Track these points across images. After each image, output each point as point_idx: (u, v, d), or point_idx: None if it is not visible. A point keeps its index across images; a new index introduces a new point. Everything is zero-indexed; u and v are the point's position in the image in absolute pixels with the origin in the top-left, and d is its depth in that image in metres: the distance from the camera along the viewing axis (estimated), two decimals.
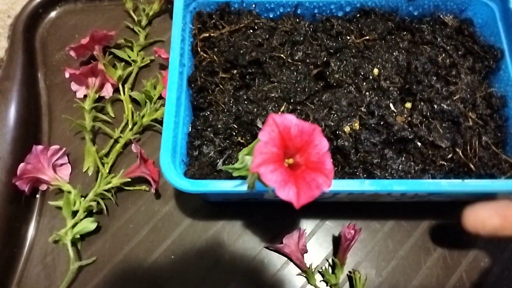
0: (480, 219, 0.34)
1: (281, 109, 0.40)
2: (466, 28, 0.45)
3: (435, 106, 0.39)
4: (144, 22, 0.55)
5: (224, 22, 0.45)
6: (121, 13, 0.56)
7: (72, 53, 0.50)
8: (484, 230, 0.34)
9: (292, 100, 0.41)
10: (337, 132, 0.39)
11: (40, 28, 0.56)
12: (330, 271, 0.42)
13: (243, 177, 0.32)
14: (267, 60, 0.42)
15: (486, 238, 0.34)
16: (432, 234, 0.43)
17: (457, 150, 0.38)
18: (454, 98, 0.40)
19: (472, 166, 0.38)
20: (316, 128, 0.28)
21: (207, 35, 0.44)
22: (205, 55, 0.43)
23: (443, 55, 0.43)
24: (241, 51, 0.42)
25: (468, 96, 0.41)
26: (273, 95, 0.41)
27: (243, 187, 0.33)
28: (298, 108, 0.41)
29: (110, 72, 0.50)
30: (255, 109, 0.40)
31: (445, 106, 0.39)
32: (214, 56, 0.43)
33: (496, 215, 0.33)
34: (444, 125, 0.39)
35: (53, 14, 0.57)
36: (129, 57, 0.52)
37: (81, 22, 0.57)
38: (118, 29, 0.55)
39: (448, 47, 0.44)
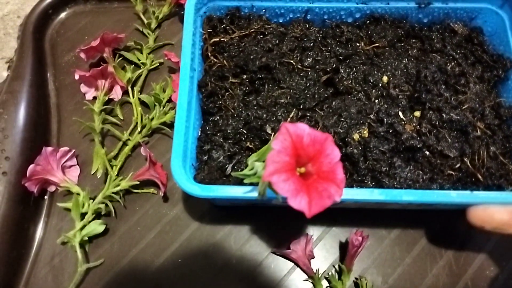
0: (489, 212, 0.34)
1: (291, 115, 0.40)
2: (475, 36, 0.45)
3: (444, 115, 0.40)
4: (153, 25, 0.55)
5: (234, 27, 0.45)
6: (130, 15, 0.57)
7: (82, 55, 0.50)
8: (490, 224, 0.34)
9: (301, 106, 0.41)
10: (346, 140, 0.39)
11: (49, 29, 0.56)
12: (337, 277, 0.42)
13: (253, 184, 0.32)
14: (277, 65, 0.42)
15: (488, 232, 0.35)
16: (438, 242, 0.44)
17: (465, 160, 0.38)
18: (463, 107, 0.40)
19: (480, 176, 0.38)
20: (328, 137, 0.28)
21: (217, 39, 0.44)
22: (215, 59, 0.44)
23: (452, 63, 0.43)
24: (251, 57, 0.42)
25: (477, 105, 0.41)
26: (282, 101, 0.41)
27: (254, 194, 0.33)
28: (308, 114, 0.41)
29: (119, 75, 0.50)
30: (264, 115, 0.41)
31: (454, 116, 0.39)
32: (224, 61, 0.43)
33: (506, 211, 0.34)
34: (452, 134, 0.39)
35: (62, 15, 0.57)
36: (139, 60, 0.53)
37: (91, 24, 0.57)
38: (128, 31, 0.55)
39: (457, 56, 0.44)
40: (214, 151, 0.40)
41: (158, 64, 0.53)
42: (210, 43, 0.44)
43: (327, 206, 0.26)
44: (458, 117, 0.39)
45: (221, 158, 0.40)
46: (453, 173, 0.38)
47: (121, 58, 0.52)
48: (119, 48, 0.54)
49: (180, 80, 0.39)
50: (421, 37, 0.46)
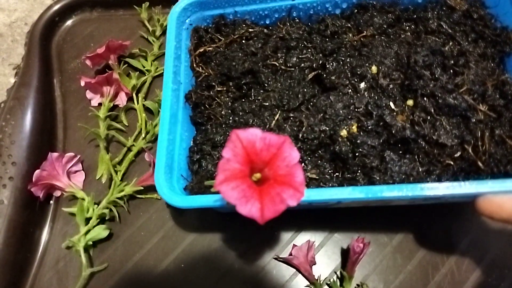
0: (498, 202, 0.32)
1: (276, 117, 0.40)
2: (475, 10, 0.42)
3: (440, 101, 0.37)
4: (158, 32, 0.56)
5: (220, 34, 0.45)
6: (136, 23, 0.58)
7: (88, 62, 0.51)
8: (499, 215, 0.31)
9: (286, 107, 0.40)
10: (334, 137, 0.38)
11: (56, 36, 0.57)
12: (338, 283, 0.42)
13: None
14: (261, 69, 0.42)
15: (498, 223, 0.33)
16: (440, 249, 0.43)
17: (466, 147, 0.35)
18: (461, 90, 0.37)
19: (481, 165, 0.35)
20: (286, 140, 0.27)
21: (202, 50, 0.44)
22: (201, 70, 0.44)
23: (450, 43, 0.41)
24: (233, 63, 0.42)
25: (477, 86, 0.37)
26: (267, 103, 0.41)
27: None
28: (291, 115, 0.40)
29: (124, 81, 0.51)
30: (250, 119, 0.40)
31: (450, 100, 0.36)
32: (210, 70, 0.43)
33: None
34: (452, 121, 0.37)
35: (69, 22, 0.59)
36: (143, 67, 0.53)
37: (97, 31, 0.58)
38: (133, 38, 0.56)
39: (456, 34, 0.41)
40: (203, 160, 0.40)
41: (162, 71, 0.53)
42: (196, 54, 0.44)
43: (281, 210, 0.26)
44: (455, 102, 0.36)
45: (210, 166, 0.40)
46: (452, 163, 0.35)
47: (126, 65, 0.53)
48: (124, 55, 0.54)
49: (163, 94, 0.40)
50: (414, 19, 0.43)
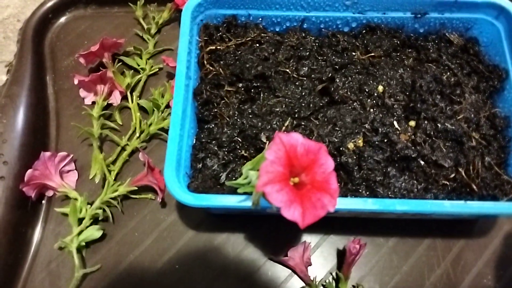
0: None
1: (285, 124, 0.40)
2: (471, 47, 0.45)
3: (439, 125, 0.40)
4: (153, 30, 0.55)
5: (231, 35, 0.46)
6: (130, 21, 0.57)
7: (82, 60, 0.50)
8: None
9: (296, 115, 0.41)
10: (341, 149, 0.39)
11: (49, 33, 0.57)
12: (334, 285, 0.42)
13: (247, 193, 0.32)
14: (273, 74, 0.43)
15: None
16: (436, 250, 0.43)
17: (460, 170, 0.38)
18: (458, 117, 0.40)
19: (474, 187, 0.38)
20: (322, 147, 0.28)
21: (214, 47, 0.44)
22: (211, 68, 0.44)
23: (448, 73, 0.44)
24: (247, 65, 0.43)
25: (472, 116, 0.41)
26: (277, 109, 0.41)
27: (247, 203, 0.33)
28: (302, 123, 0.41)
29: (118, 80, 0.50)
30: (259, 123, 0.41)
31: (449, 126, 0.40)
32: (220, 69, 0.43)
33: None
34: (447, 144, 0.40)
35: (62, 19, 0.58)
36: (138, 65, 0.53)
37: (91, 28, 0.57)
38: (127, 36, 0.55)
39: (453, 66, 0.44)
40: (208, 159, 0.40)
41: (157, 69, 0.53)
42: (206, 51, 0.44)
43: (321, 216, 0.26)
44: (453, 127, 0.39)
45: (216, 166, 0.40)
46: (447, 183, 0.38)
47: (121, 63, 0.53)
48: (119, 53, 0.54)
49: (175, 89, 0.39)
50: (416, 47, 0.46)
